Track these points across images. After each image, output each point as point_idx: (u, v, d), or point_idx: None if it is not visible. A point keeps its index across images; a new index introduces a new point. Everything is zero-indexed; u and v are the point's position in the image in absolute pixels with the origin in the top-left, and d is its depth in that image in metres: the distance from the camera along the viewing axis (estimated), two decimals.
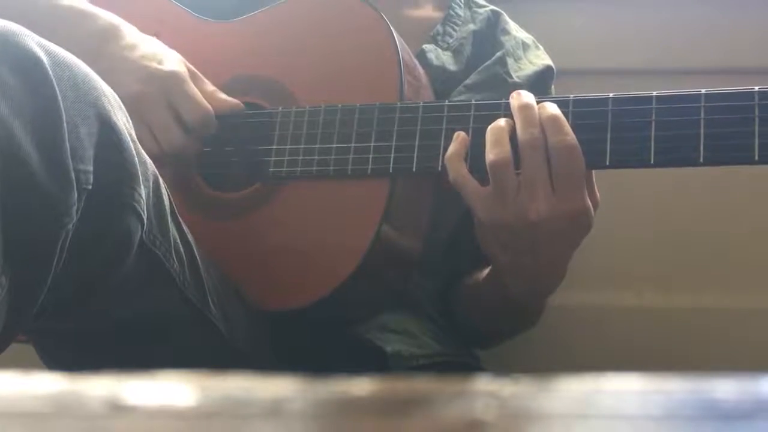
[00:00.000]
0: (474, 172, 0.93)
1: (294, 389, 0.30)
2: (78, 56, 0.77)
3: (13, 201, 0.69)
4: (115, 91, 0.81)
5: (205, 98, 1.01)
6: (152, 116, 0.97)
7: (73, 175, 0.73)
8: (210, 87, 1.04)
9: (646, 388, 0.30)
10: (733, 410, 0.28)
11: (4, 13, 0.80)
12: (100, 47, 0.98)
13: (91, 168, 0.75)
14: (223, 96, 1.04)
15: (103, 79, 0.80)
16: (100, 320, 0.87)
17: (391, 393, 0.30)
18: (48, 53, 0.73)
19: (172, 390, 0.30)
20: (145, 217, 0.81)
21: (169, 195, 0.88)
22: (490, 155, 0.90)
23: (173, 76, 0.99)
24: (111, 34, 1.00)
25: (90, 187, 0.75)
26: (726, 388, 0.29)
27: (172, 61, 1.01)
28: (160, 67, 0.99)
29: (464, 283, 1.12)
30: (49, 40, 0.75)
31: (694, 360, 1.33)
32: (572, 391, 0.30)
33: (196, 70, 1.03)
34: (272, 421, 0.28)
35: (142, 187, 0.80)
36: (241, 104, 1.05)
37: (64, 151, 0.72)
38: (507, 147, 0.90)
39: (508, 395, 0.30)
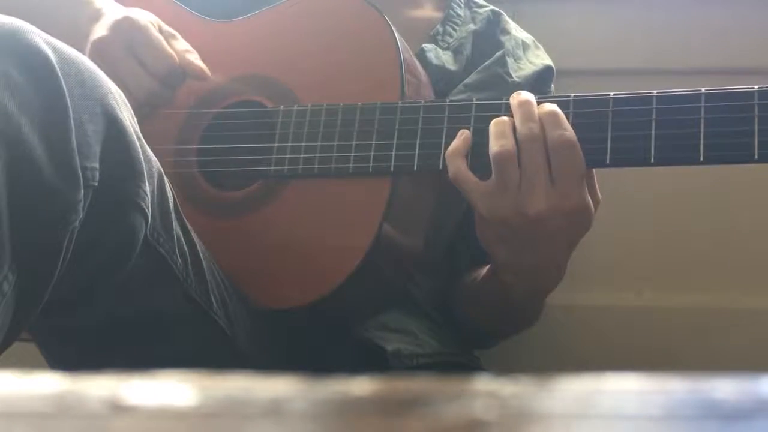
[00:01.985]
0: (475, 172, 0.93)
1: (294, 389, 0.30)
2: (68, 44, 0.78)
3: (20, 198, 0.70)
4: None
5: (176, 53, 1.01)
6: (117, 63, 0.96)
7: (79, 172, 0.73)
8: (183, 45, 1.03)
9: (646, 388, 0.30)
10: (733, 410, 0.28)
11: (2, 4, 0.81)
12: (89, 29, 0.99)
13: (97, 165, 0.75)
14: (194, 58, 1.03)
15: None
16: (103, 317, 0.87)
17: (391, 393, 0.30)
18: (55, 50, 0.74)
19: (172, 390, 0.30)
20: (149, 215, 0.82)
21: (173, 192, 0.88)
22: (494, 147, 0.91)
23: (134, 22, 0.98)
24: (100, 15, 1.01)
25: (96, 184, 0.75)
26: (726, 388, 0.29)
27: (136, 12, 1.01)
28: (123, 14, 0.99)
29: (464, 281, 1.12)
30: (39, 29, 0.75)
31: (694, 360, 1.32)
32: (572, 391, 0.30)
33: (174, 32, 1.03)
34: (272, 421, 0.28)
35: (147, 184, 0.81)
36: (208, 73, 1.04)
37: (70, 148, 0.72)
38: (511, 139, 0.90)
39: (508, 395, 0.30)
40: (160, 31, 1.02)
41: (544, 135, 0.90)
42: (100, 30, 0.98)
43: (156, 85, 1.00)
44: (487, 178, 0.92)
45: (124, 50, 0.98)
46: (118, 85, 0.83)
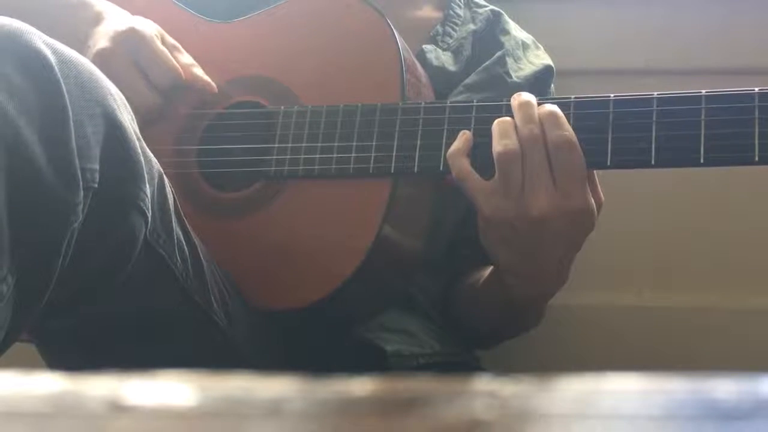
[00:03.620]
0: (476, 172, 0.93)
1: (294, 389, 0.30)
2: (69, 45, 0.78)
3: (20, 199, 0.70)
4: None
5: (181, 67, 1.01)
6: (119, 74, 0.95)
7: (79, 173, 0.73)
8: (187, 59, 1.03)
9: (646, 388, 0.30)
10: (733, 410, 0.28)
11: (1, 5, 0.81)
12: (89, 31, 0.99)
13: (97, 166, 0.75)
14: (198, 71, 1.04)
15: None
16: (103, 318, 0.87)
17: (391, 393, 0.30)
18: (54, 52, 0.74)
19: (172, 390, 0.30)
20: (149, 216, 0.82)
21: (173, 193, 0.88)
22: (497, 147, 0.91)
23: (135, 33, 0.98)
24: (100, 18, 1.00)
25: (96, 185, 0.75)
26: (726, 388, 0.29)
27: (141, 22, 1.01)
28: (126, 25, 0.99)
29: (464, 283, 1.12)
30: (43, 30, 0.75)
31: (694, 360, 1.32)
32: (572, 391, 0.30)
33: (177, 44, 1.03)
34: (272, 421, 0.28)
35: (147, 185, 0.81)
36: (214, 86, 1.04)
37: (70, 149, 0.72)
38: (514, 139, 0.90)
39: (508, 395, 0.30)
40: (164, 42, 1.01)
41: (544, 136, 0.90)
42: (103, 40, 0.97)
43: (158, 99, 1.00)
44: (489, 178, 0.92)
45: (128, 62, 0.98)
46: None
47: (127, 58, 0.98)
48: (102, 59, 0.95)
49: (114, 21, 1.00)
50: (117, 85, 0.83)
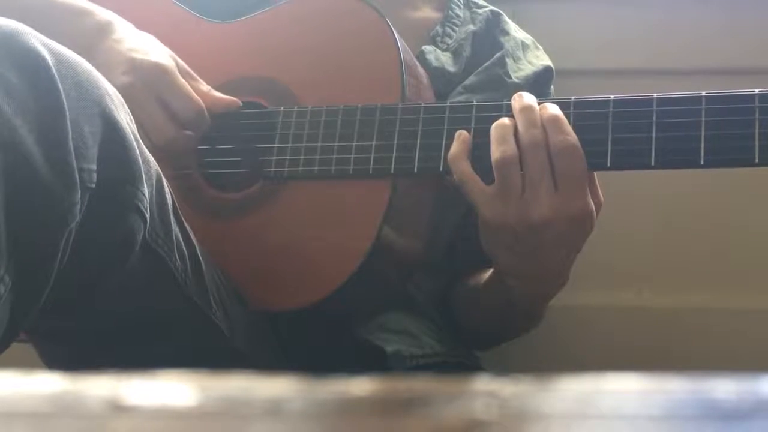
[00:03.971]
0: (476, 174, 0.93)
1: (294, 389, 0.30)
2: (73, 49, 0.77)
3: (17, 200, 0.70)
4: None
5: (199, 96, 1.01)
6: (141, 109, 0.95)
7: (76, 173, 0.73)
8: (204, 86, 1.03)
9: (646, 388, 0.30)
10: (733, 410, 0.28)
11: (1, 9, 0.80)
12: (93, 43, 0.98)
13: (94, 167, 0.75)
14: (218, 94, 1.04)
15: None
16: (101, 319, 0.87)
17: (391, 393, 0.30)
18: (51, 52, 0.74)
19: (172, 390, 0.30)
20: (147, 216, 0.82)
21: (171, 194, 0.88)
22: (495, 153, 0.90)
23: (159, 67, 0.98)
24: (105, 29, 1.00)
25: (93, 185, 0.75)
26: (726, 388, 0.29)
27: (160, 54, 1.00)
28: (146, 58, 0.98)
29: (464, 284, 1.12)
30: (45, 35, 0.75)
31: (694, 360, 1.33)
32: (572, 391, 0.30)
33: (189, 69, 1.03)
34: (272, 421, 0.28)
35: (145, 185, 0.81)
36: (239, 101, 1.04)
37: (67, 149, 0.72)
38: (513, 144, 0.90)
39: (508, 395, 0.30)
40: (178, 68, 1.01)
41: (546, 140, 0.90)
42: (123, 70, 0.96)
43: (178, 133, 1.00)
44: (490, 180, 0.92)
45: (149, 95, 0.97)
46: (139, 130, 0.83)
47: (149, 92, 0.97)
48: (123, 92, 0.94)
49: (126, 41, 0.99)
50: (138, 120, 0.83)
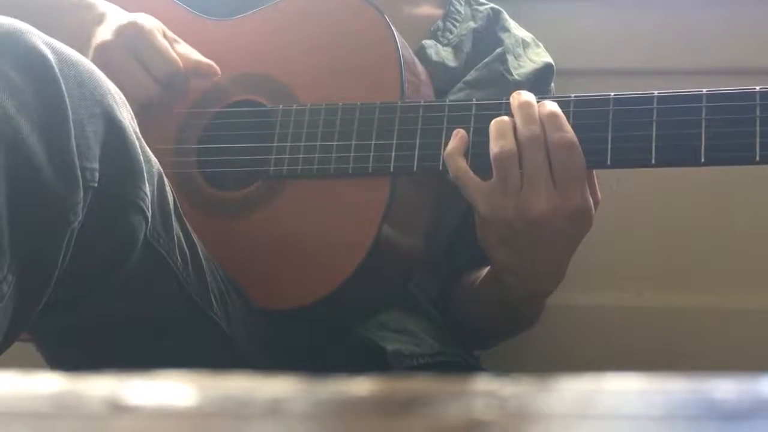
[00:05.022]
0: (475, 172, 0.93)
1: (294, 389, 0.30)
2: (72, 46, 0.78)
3: (20, 199, 0.70)
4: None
5: (179, 57, 1.02)
6: (120, 66, 0.96)
7: (79, 172, 0.73)
8: (186, 48, 1.04)
9: (646, 388, 0.30)
10: (733, 410, 0.28)
11: (1, 6, 0.81)
12: (91, 31, 0.99)
13: (96, 166, 0.75)
14: (198, 56, 1.04)
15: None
16: (103, 318, 0.87)
17: (391, 393, 0.30)
18: (54, 51, 0.74)
19: (172, 390, 0.30)
20: (149, 215, 0.82)
21: (173, 193, 0.88)
22: (494, 148, 0.91)
23: (136, 27, 0.99)
24: (102, 19, 1.01)
25: (96, 184, 0.75)
26: (726, 388, 0.29)
27: (143, 17, 1.01)
28: (127, 19, 1.00)
29: (463, 282, 1.12)
30: (43, 31, 0.75)
31: (694, 360, 1.32)
32: (572, 391, 0.30)
33: (177, 37, 1.04)
34: (272, 421, 0.28)
35: (147, 184, 0.81)
36: (217, 68, 1.05)
37: (70, 149, 0.72)
38: (511, 139, 0.90)
39: (508, 395, 0.30)
40: (165, 36, 1.02)
41: (545, 136, 0.90)
42: (104, 34, 0.98)
43: (158, 89, 1.01)
44: (488, 179, 0.92)
45: (128, 54, 0.98)
46: (120, 88, 0.83)
47: (127, 49, 0.98)
48: (101, 51, 0.96)
49: (116, 18, 1.00)
50: (116, 76, 0.83)
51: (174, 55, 1.01)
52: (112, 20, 1.00)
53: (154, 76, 1.00)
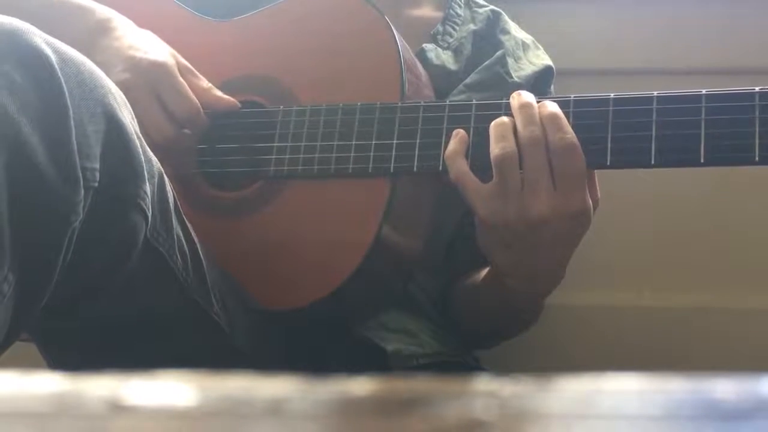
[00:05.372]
0: (475, 172, 0.93)
1: (294, 389, 0.30)
2: (75, 48, 0.78)
3: (20, 198, 0.70)
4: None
5: (198, 94, 1.01)
6: (139, 108, 0.94)
7: (79, 172, 0.73)
8: (205, 84, 1.03)
9: (646, 388, 0.30)
10: (733, 410, 0.28)
11: (2, 7, 0.81)
12: (94, 41, 0.98)
13: (97, 165, 0.75)
14: (218, 93, 1.03)
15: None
16: (103, 317, 0.87)
17: (391, 393, 0.30)
18: (55, 51, 0.74)
19: (172, 390, 0.30)
20: (149, 214, 0.82)
21: (173, 193, 0.88)
22: (495, 149, 0.90)
23: (158, 66, 0.98)
24: (104, 27, 1.00)
25: (96, 184, 0.75)
26: (726, 388, 0.29)
27: (161, 52, 1.00)
28: (146, 56, 0.98)
29: (463, 283, 1.12)
30: (47, 33, 0.75)
31: (694, 360, 1.33)
32: (572, 391, 0.30)
33: (190, 66, 1.03)
34: (272, 421, 0.28)
35: (147, 184, 0.81)
36: (237, 103, 1.04)
37: (71, 148, 0.72)
38: (512, 141, 0.90)
39: (508, 395, 0.30)
40: (178, 66, 1.01)
41: (546, 138, 0.90)
42: (122, 68, 0.97)
43: (176, 131, 1.00)
44: (488, 180, 0.92)
45: (149, 94, 0.97)
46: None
47: (148, 90, 0.97)
48: (123, 91, 0.95)
49: (126, 38, 0.99)
50: (137, 118, 0.83)
51: (195, 100, 1.00)
52: (121, 40, 0.98)
53: (172, 116, 0.99)
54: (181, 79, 1.00)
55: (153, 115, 0.97)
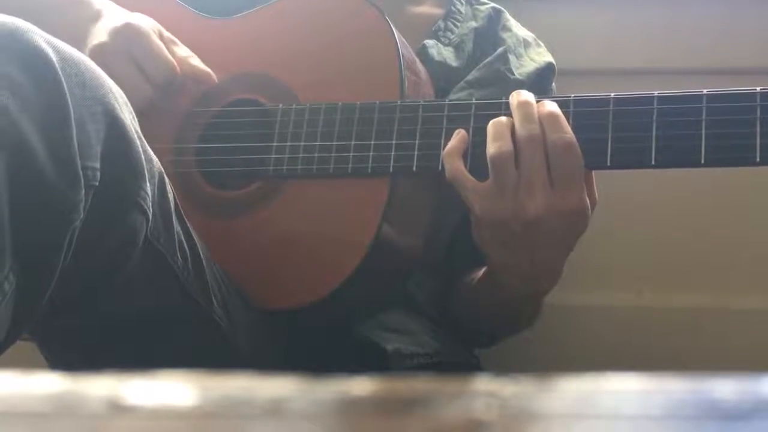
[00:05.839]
0: (474, 172, 0.93)
1: (294, 389, 0.30)
2: (68, 43, 0.78)
3: (21, 198, 0.70)
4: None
5: (176, 60, 1.01)
6: (116, 69, 0.94)
7: (80, 172, 0.73)
8: (183, 52, 1.03)
9: (646, 388, 0.30)
10: (733, 410, 0.28)
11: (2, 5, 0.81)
12: (88, 29, 0.99)
13: (98, 165, 0.75)
14: (195, 62, 1.04)
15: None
16: (104, 317, 0.87)
17: (391, 393, 0.30)
18: (56, 50, 0.74)
19: (172, 390, 0.30)
20: (150, 214, 0.82)
21: (173, 192, 0.88)
22: (491, 149, 0.90)
23: (133, 29, 0.98)
24: (98, 17, 1.00)
25: (97, 184, 0.75)
26: (726, 388, 0.29)
27: (139, 18, 1.01)
28: (123, 21, 0.99)
29: (462, 282, 1.12)
30: (44, 29, 0.75)
31: (694, 360, 1.32)
32: (572, 391, 0.30)
33: (174, 38, 1.03)
34: (272, 421, 0.28)
35: (147, 184, 0.81)
36: (213, 75, 1.04)
37: (71, 148, 0.72)
38: (509, 141, 0.90)
39: (508, 395, 0.30)
40: (161, 37, 1.01)
41: (543, 137, 0.90)
42: (99, 35, 0.98)
43: (154, 93, 1.00)
44: (487, 179, 0.92)
45: (124, 57, 0.98)
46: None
47: (123, 52, 0.98)
48: (98, 53, 0.95)
49: (112, 17, 1.00)
50: (112, 78, 0.83)
51: (170, 58, 1.01)
52: (108, 19, 1.00)
53: (150, 79, 1.00)
54: (158, 42, 1.00)
55: (129, 77, 0.98)
